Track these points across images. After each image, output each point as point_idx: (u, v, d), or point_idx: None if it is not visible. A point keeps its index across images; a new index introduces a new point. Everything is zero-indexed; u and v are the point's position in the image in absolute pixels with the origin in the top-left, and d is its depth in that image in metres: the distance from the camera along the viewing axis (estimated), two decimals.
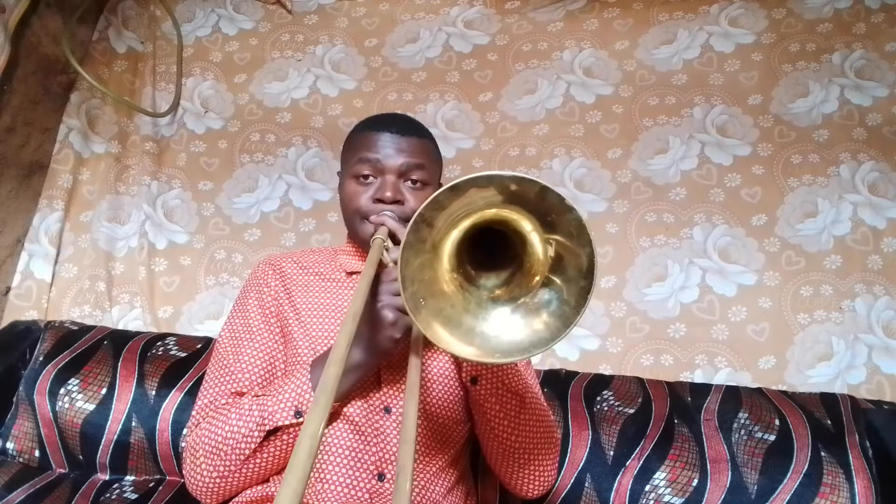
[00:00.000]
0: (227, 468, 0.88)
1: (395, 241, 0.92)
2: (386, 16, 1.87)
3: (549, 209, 0.68)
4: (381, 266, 0.87)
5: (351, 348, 0.68)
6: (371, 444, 0.92)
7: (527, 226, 0.72)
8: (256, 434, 0.87)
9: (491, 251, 0.77)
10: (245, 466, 0.89)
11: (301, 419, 0.86)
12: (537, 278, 0.74)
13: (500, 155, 1.69)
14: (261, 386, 0.96)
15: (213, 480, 0.89)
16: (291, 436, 0.88)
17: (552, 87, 1.73)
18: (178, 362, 1.36)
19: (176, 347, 1.40)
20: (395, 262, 0.84)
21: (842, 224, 1.50)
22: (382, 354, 0.88)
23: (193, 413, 0.96)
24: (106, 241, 1.68)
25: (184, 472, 0.94)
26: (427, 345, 0.87)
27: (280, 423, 0.86)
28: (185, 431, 1.28)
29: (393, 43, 1.83)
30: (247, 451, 0.87)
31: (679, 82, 1.68)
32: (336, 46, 1.84)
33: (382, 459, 0.91)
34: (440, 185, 1.11)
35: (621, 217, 1.60)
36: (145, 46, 1.86)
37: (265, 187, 1.73)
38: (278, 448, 0.89)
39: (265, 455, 0.89)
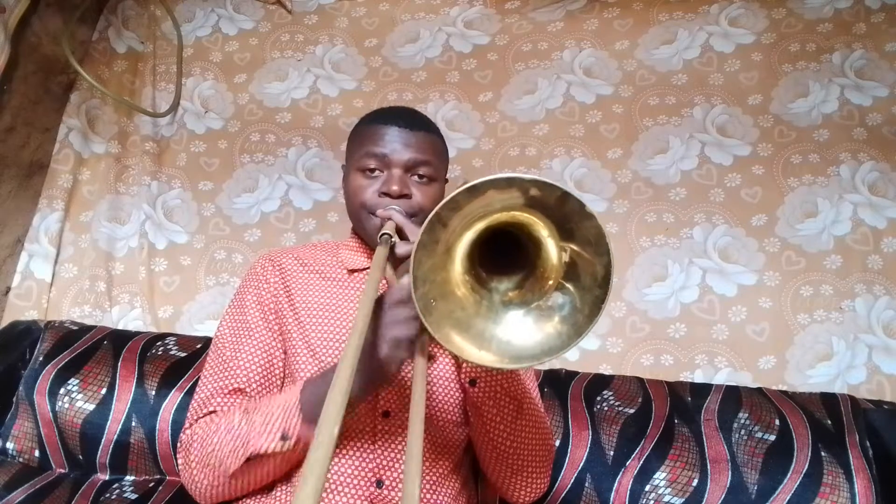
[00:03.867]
0: (217, 479, 0.87)
1: (402, 237, 0.91)
2: (386, 16, 1.87)
3: (569, 215, 0.67)
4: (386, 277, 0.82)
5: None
6: (369, 449, 0.91)
7: (543, 231, 0.71)
8: (241, 453, 0.83)
9: (503, 253, 0.76)
10: (234, 480, 0.86)
11: (287, 443, 0.82)
12: (550, 283, 0.73)
13: (500, 155, 1.69)
14: (259, 383, 0.95)
15: (205, 489, 0.88)
16: (278, 458, 0.85)
17: (552, 87, 1.73)
18: (178, 362, 1.36)
19: (176, 347, 1.40)
20: (401, 279, 0.78)
21: (842, 224, 1.50)
22: (376, 387, 0.86)
23: (190, 409, 0.95)
24: (106, 241, 1.68)
25: (179, 467, 0.93)
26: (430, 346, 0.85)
27: (264, 450, 0.82)
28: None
29: (393, 43, 1.83)
30: (233, 468, 0.84)
31: (679, 82, 1.68)
32: (336, 46, 1.84)
33: (381, 466, 0.90)
34: (446, 181, 1.11)
35: (621, 217, 1.60)
36: (145, 46, 1.86)
37: (265, 187, 1.73)
38: (267, 467, 0.86)
39: (253, 473, 0.86)
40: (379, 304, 0.78)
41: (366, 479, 0.89)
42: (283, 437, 0.82)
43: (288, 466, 0.88)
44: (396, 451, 0.91)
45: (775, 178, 1.56)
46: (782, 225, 1.52)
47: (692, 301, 1.51)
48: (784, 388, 1.37)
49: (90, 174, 1.74)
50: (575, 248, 0.69)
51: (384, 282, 0.84)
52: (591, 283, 0.69)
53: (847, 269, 1.47)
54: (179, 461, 0.92)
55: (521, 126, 1.71)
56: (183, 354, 1.38)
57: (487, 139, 1.71)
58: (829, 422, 1.20)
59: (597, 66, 1.73)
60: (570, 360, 1.50)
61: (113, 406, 1.30)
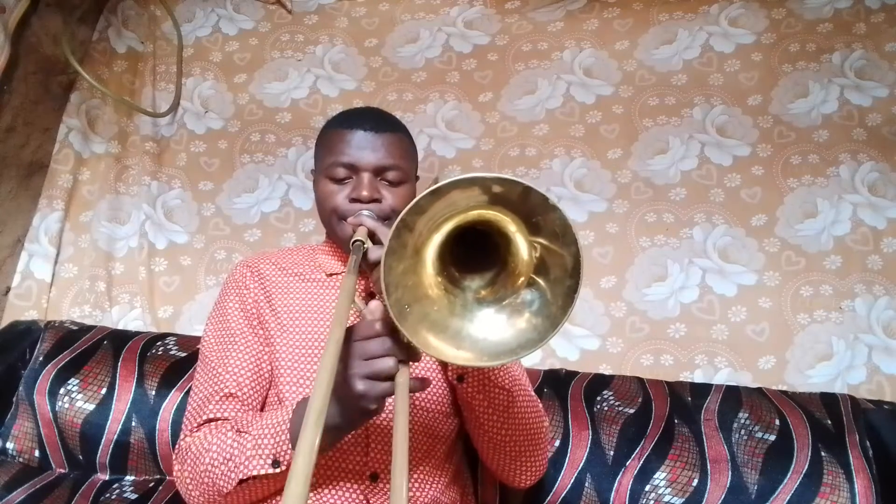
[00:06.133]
0: (211, 496, 0.87)
1: (375, 241, 0.92)
2: (386, 16, 1.87)
3: (534, 209, 0.68)
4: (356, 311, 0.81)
5: (330, 405, 0.63)
6: (363, 443, 0.91)
7: (511, 226, 0.72)
8: (233, 476, 0.83)
9: (474, 251, 0.76)
10: (229, 497, 0.86)
11: (279, 469, 0.81)
12: (522, 278, 0.74)
13: (500, 155, 1.69)
14: (250, 387, 0.95)
15: (200, 501, 0.89)
16: (271, 480, 0.84)
17: (552, 88, 1.73)
18: (177, 362, 1.36)
19: (176, 347, 1.40)
20: (366, 313, 0.77)
21: (842, 224, 1.50)
22: (360, 422, 0.82)
23: (185, 418, 0.95)
24: (106, 241, 1.68)
25: (174, 475, 0.93)
26: None
27: (255, 474, 0.82)
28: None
29: (393, 43, 1.83)
30: (225, 490, 0.84)
31: (679, 82, 1.68)
32: (336, 46, 1.84)
33: (375, 459, 0.91)
34: (417, 178, 1.11)
35: (621, 217, 1.60)
36: (145, 46, 1.86)
37: (265, 187, 1.73)
38: (260, 488, 0.86)
39: (246, 493, 0.86)
40: (349, 336, 0.75)
41: (360, 472, 0.90)
42: (275, 464, 0.82)
43: (281, 486, 0.88)
44: (390, 444, 0.91)
45: (775, 179, 1.56)
46: (782, 225, 1.52)
47: (692, 301, 1.51)
48: (784, 388, 1.37)
49: (90, 174, 1.74)
50: (543, 241, 0.70)
51: (356, 303, 0.82)
52: (562, 274, 0.70)
53: (847, 269, 1.47)
54: (175, 468, 0.92)
55: (521, 126, 1.71)
56: (183, 354, 1.38)
57: (487, 139, 1.71)
58: (829, 422, 1.20)
59: (597, 66, 1.73)
60: (571, 360, 1.50)
61: (113, 406, 1.31)
